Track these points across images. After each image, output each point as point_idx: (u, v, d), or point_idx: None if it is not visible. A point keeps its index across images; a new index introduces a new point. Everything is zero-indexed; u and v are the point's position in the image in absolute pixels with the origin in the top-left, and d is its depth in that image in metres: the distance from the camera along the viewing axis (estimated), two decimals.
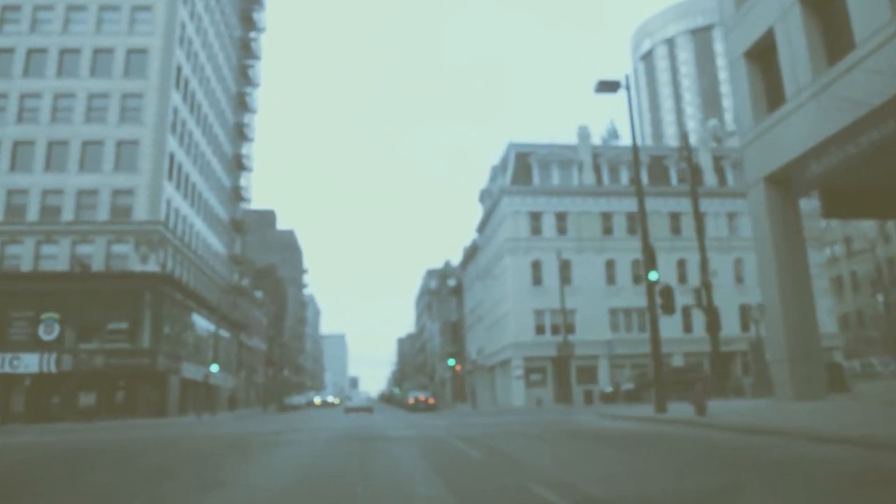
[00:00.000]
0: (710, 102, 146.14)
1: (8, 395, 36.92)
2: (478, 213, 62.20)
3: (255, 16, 69.05)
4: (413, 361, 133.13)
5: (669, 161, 52.21)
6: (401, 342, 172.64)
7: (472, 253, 66.74)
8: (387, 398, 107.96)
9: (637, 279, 48.35)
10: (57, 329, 37.98)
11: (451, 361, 68.19)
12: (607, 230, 50.29)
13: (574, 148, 52.10)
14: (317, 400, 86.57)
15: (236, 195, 65.33)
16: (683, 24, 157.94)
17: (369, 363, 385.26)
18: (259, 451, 12.38)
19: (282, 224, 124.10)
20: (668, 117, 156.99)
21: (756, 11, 18.57)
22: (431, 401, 45.11)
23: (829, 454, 8.39)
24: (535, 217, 50.05)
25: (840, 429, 9.92)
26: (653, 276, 19.00)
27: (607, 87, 19.74)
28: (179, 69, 45.61)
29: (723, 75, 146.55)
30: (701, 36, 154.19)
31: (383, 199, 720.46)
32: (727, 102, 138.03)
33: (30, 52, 43.27)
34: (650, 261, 18.91)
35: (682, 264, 48.90)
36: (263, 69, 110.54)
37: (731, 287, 48.61)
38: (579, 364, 46.20)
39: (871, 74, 13.19)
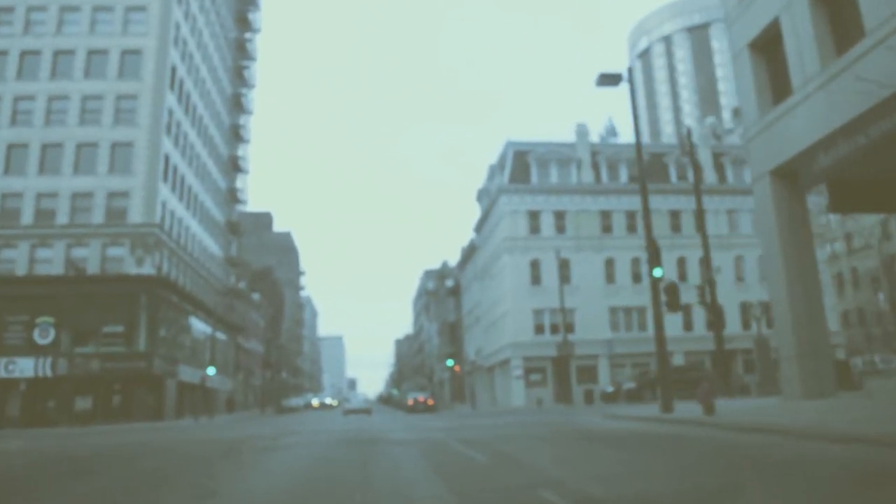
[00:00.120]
0: (708, 100, 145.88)
1: (3, 400, 36.63)
2: (475, 212, 61.90)
3: (251, 16, 68.71)
4: (411, 363, 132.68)
5: (668, 158, 51.92)
6: (398, 343, 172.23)
7: (469, 253, 66.32)
8: (385, 399, 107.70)
9: (636, 278, 48.08)
10: (52, 333, 37.62)
11: (450, 362, 67.83)
12: (606, 228, 49.94)
13: (572, 146, 51.73)
14: (315, 402, 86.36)
15: (232, 197, 64.98)
16: (680, 21, 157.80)
17: (367, 365, 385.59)
18: (256, 456, 12.07)
19: (278, 226, 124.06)
20: (666, 115, 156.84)
21: (760, 1, 18.20)
22: (431, 402, 45.07)
23: (845, 454, 8.04)
24: (534, 216, 49.68)
25: (854, 426, 9.56)
26: (657, 272, 18.57)
27: (609, 79, 19.35)
28: (174, 70, 45.26)
29: (720, 73, 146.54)
30: (698, 33, 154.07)
31: (380, 201, 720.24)
32: (724, 100, 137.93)
33: (23, 53, 42.94)
34: (655, 257, 18.45)
35: (682, 262, 48.56)
36: (259, 70, 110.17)
37: (731, 284, 48.25)
38: (579, 364, 45.86)
39: (889, 52, 12.79)
